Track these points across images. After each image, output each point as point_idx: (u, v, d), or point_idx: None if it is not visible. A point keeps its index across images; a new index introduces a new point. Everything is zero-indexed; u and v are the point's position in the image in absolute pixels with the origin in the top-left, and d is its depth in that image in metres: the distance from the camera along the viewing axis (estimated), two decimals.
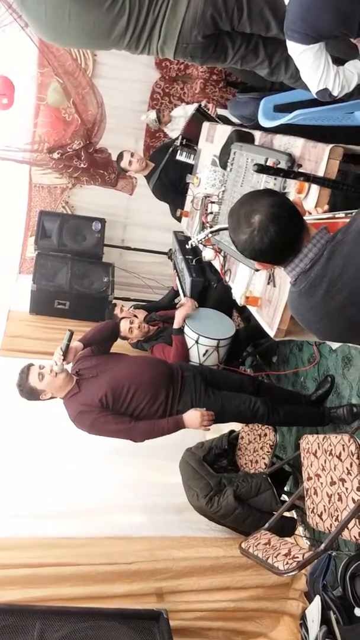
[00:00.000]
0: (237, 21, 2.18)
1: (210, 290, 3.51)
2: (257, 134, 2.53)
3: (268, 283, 2.15)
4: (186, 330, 3.29)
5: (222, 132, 3.02)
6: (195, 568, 2.60)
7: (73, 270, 4.54)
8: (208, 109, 3.83)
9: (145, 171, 4.00)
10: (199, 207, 3.06)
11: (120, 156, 4.00)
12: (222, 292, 3.34)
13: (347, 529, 2.00)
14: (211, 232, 2.60)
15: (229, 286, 2.64)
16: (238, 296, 2.42)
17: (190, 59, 2.38)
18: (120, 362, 2.77)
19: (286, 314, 1.98)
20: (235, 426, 3.06)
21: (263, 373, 3.73)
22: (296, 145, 2.07)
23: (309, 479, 2.31)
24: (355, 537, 1.99)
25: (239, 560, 2.58)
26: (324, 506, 2.18)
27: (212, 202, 2.79)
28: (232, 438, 3.02)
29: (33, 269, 4.52)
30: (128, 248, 5.12)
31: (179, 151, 3.67)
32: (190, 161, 3.63)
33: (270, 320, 2.10)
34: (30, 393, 2.59)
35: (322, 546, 2.02)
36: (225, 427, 3.07)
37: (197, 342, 3.23)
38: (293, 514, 2.82)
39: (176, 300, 4.29)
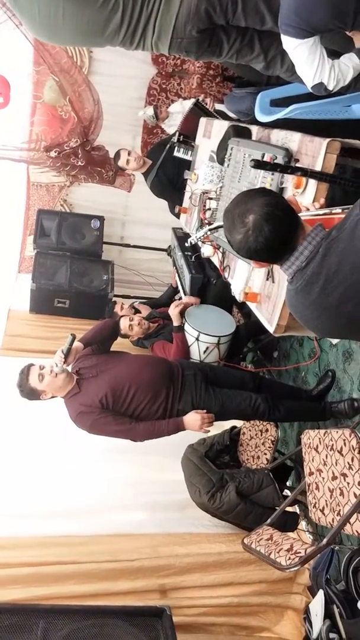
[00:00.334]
0: (231, 15, 2.16)
1: (210, 287, 3.50)
2: (254, 129, 2.52)
3: (267, 279, 2.15)
4: (186, 327, 3.29)
5: (220, 127, 3.01)
6: (198, 564, 2.60)
7: (72, 268, 4.54)
8: (206, 104, 3.82)
9: (143, 168, 3.99)
10: (197, 203, 3.05)
11: (118, 155, 3.98)
12: (221, 288, 3.33)
13: (349, 523, 2.00)
14: (210, 230, 2.60)
15: (229, 282, 2.63)
16: (237, 292, 2.42)
17: (185, 54, 2.37)
18: (121, 362, 2.77)
19: (285, 309, 1.98)
20: (237, 422, 3.06)
21: (264, 369, 3.73)
22: (293, 139, 2.06)
23: (311, 473, 2.31)
24: (357, 531, 1.99)
25: (242, 556, 2.59)
26: (326, 501, 2.18)
27: (210, 198, 2.78)
28: (234, 434, 3.02)
29: (32, 268, 4.52)
30: (127, 245, 5.11)
31: (176, 148, 3.66)
32: (188, 157, 3.61)
33: (269, 316, 2.10)
34: (31, 393, 2.58)
35: (325, 541, 2.02)
36: (226, 423, 3.07)
37: (197, 339, 3.23)
38: (295, 509, 2.83)
39: (176, 298, 4.29)
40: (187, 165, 3.60)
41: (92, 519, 2.79)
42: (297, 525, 2.66)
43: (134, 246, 5.08)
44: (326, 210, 1.56)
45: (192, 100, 3.74)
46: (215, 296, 3.51)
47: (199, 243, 2.86)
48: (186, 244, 3.23)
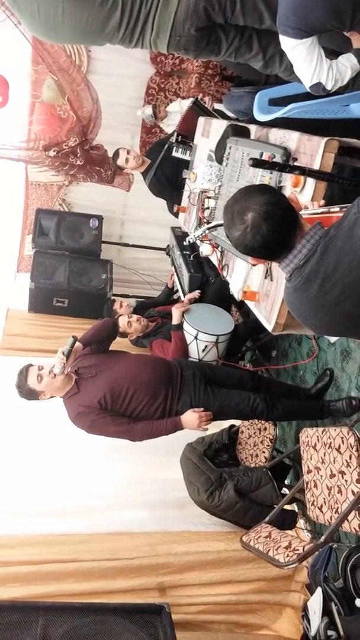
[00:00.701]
0: (230, 13, 2.17)
1: (209, 286, 3.51)
2: (252, 128, 2.52)
3: (265, 277, 2.15)
4: (185, 326, 3.29)
5: (218, 126, 3.02)
6: (197, 562, 2.61)
7: (71, 267, 4.54)
8: (205, 103, 3.82)
9: (142, 168, 3.99)
10: (195, 202, 3.06)
11: (117, 154, 3.98)
12: (220, 287, 3.34)
13: (347, 521, 2.01)
14: (208, 229, 2.60)
15: (227, 281, 2.64)
16: (236, 291, 2.42)
17: (183, 52, 2.37)
18: (120, 362, 2.76)
19: (284, 307, 1.98)
20: (236, 421, 3.07)
21: (262, 367, 3.74)
22: (291, 138, 2.06)
23: (309, 472, 2.32)
24: (355, 528, 2.00)
25: (241, 554, 2.60)
26: (324, 499, 2.19)
27: (209, 197, 2.79)
28: (233, 432, 3.03)
29: (31, 267, 4.52)
30: (126, 245, 5.11)
31: (174, 148, 3.66)
32: (187, 157, 3.62)
33: (268, 315, 2.10)
34: (29, 394, 2.58)
35: (323, 538, 2.03)
36: (225, 422, 3.08)
37: (196, 337, 3.23)
38: (294, 507, 2.84)
39: (175, 297, 4.30)
40: (186, 164, 3.60)
41: (92, 517, 2.80)
42: (295, 523, 2.67)
43: (133, 245, 5.08)
44: (325, 209, 1.56)
45: (191, 100, 3.73)
46: (214, 295, 3.52)
47: (198, 242, 2.87)
48: (185, 243, 3.24)
